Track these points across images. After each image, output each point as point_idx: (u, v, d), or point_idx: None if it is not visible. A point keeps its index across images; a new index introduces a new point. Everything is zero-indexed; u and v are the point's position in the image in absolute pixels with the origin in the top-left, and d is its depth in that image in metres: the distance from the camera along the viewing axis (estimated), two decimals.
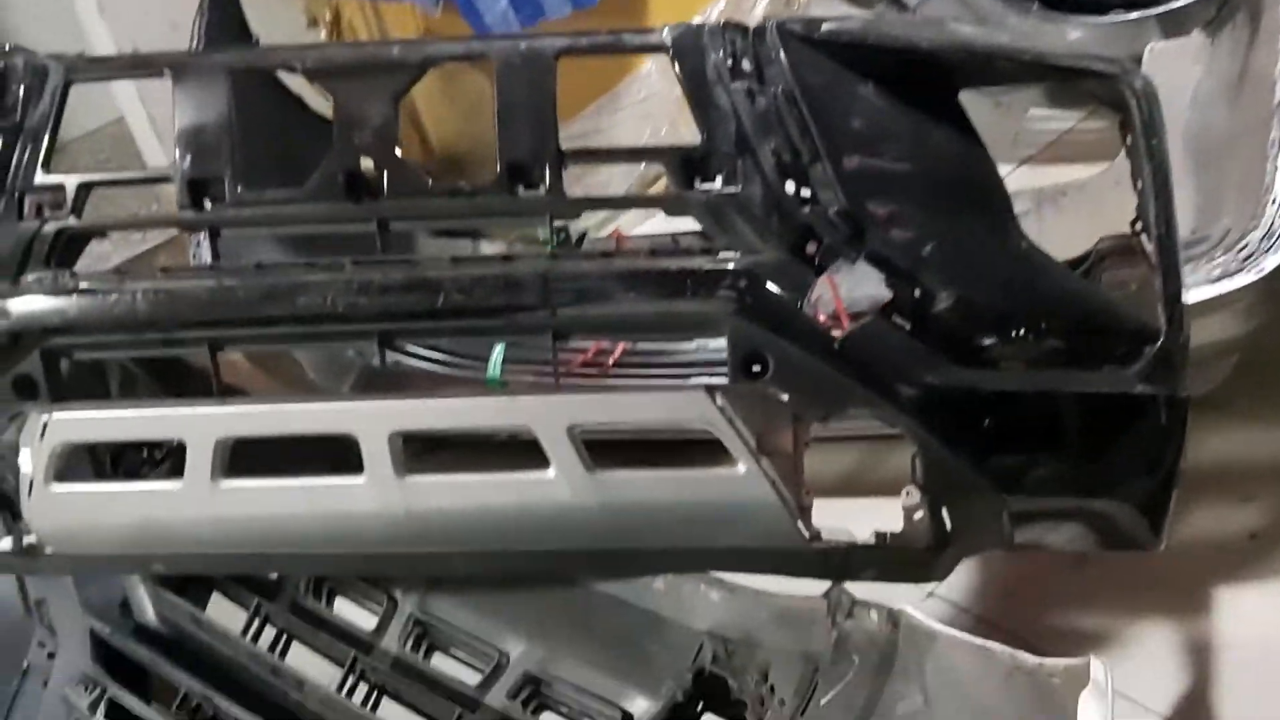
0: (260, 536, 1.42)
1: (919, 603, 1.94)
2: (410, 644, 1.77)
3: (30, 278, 1.40)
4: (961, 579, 2.00)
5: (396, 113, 1.34)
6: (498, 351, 2.00)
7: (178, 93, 1.35)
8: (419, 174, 1.34)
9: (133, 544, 1.50)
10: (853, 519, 1.41)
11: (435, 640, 1.78)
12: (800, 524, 1.37)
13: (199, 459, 1.37)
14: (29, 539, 1.52)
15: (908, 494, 1.37)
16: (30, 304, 1.39)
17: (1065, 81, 1.92)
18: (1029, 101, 3.12)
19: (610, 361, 2.09)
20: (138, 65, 1.45)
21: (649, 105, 3.27)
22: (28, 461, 1.43)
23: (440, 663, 1.78)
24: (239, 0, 2.19)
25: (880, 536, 1.39)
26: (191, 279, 1.37)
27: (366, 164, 1.33)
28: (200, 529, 1.43)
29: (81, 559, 1.55)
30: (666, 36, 1.31)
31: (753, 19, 1.39)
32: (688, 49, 1.31)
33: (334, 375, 2.22)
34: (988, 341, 1.34)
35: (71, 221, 1.39)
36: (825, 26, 1.35)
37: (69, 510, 1.45)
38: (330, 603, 1.89)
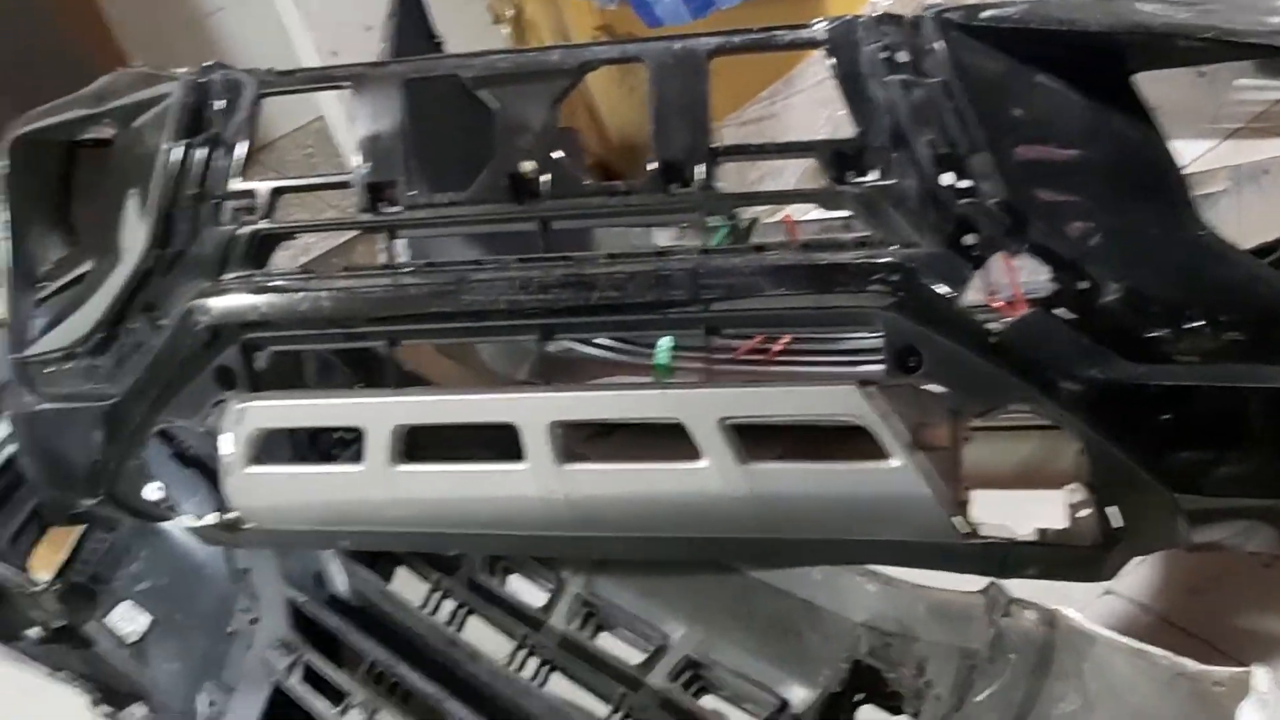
0: (432, 517, 1.51)
1: (1095, 599, 1.88)
2: (577, 623, 1.84)
3: (229, 277, 1.53)
4: (1141, 575, 1.92)
5: (556, 116, 1.39)
6: (666, 339, 2.04)
7: (357, 102, 1.44)
8: (577, 175, 1.39)
9: (321, 521, 1.61)
10: (1015, 514, 1.38)
11: (600, 620, 1.84)
12: (956, 519, 1.35)
13: (377, 445, 1.47)
14: (230, 515, 1.65)
15: (1073, 491, 1.33)
16: (230, 301, 1.51)
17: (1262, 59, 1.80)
18: (1235, 71, 2.92)
19: (774, 350, 2.11)
20: (322, 78, 1.55)
21: (824, 89, 3.22)
22: (228, 445, 1.56)
23: (603, 642, 1.84)
24: (424, 4, 2.31)
25: (1042, 533, 1.36)
26: (370, 278, 1.46)
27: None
28: (379, 509, 1.53)
29: (276, 534, 1.68)
30: (822, 31, 1.31)
31: (915, 6, 1.37)
32: (843, 44, 1.30)
33: (512, 362, 2.32)
34: (1160, 334, 1.28)
35: (264, 224, 1.51)
36: (986, 13, 1.31)
37: (263, 490, 1.57)
38: (504, 580, 1.98)
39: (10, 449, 2.11)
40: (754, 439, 1.36)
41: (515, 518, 1.48)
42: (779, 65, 3.09)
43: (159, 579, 2.06)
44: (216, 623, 2.06)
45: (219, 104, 1.52)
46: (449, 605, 1.95)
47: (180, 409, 1.60)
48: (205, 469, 1.88)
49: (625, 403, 1.42)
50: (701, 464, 1.35)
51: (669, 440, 1.41)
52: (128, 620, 2.02)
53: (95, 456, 1.74)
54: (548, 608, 1.86)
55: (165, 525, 2.10)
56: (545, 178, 1.38)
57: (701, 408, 1.33)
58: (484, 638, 1.94)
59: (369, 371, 1.75)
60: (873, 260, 1.29)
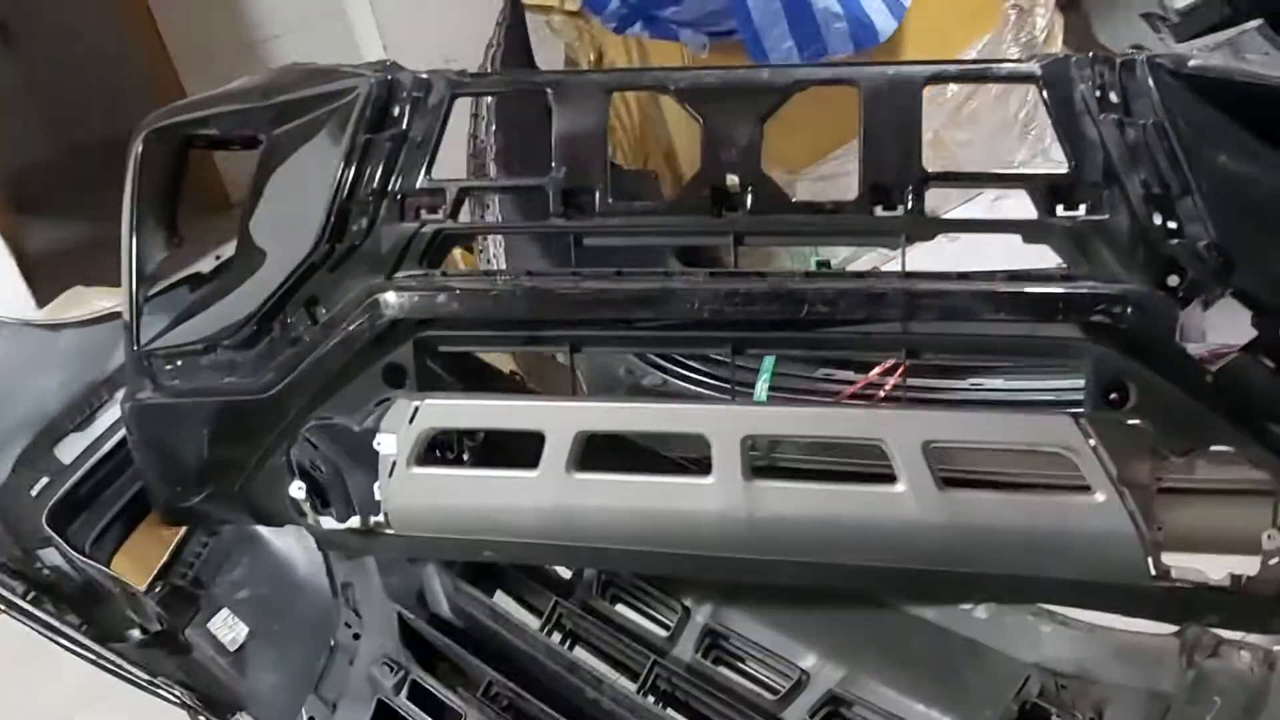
0: (599, 529, 1.48)
1: None
2: (703, 654, 1.80)
3: (406, 274, 1.51)
4: None
5: (761, 133, 1.39)
6: (765, 373, 2.03)
7: (556, 108, 1.43)
8: (781, 192, 1.39)
9: (472, 528, 1.58)
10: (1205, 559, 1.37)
11: (728, 652, 1.80)
12: (1150, 560, 1.34)
13: (557, 450, 1.44)
14: (375, 519, 1.62)
15: (1269, 537, 1.33)
16: (407, 298, 1.49)
17: None
18: None
19: (889, 385, 2.10)
20: (517, 83, 1.55)
21: None
22: (390, 445, 1.53)
23: (730, 676, 1.81)
24: (528, 34, 2.33)
25: (1235, 579, 1.35)
26: (556, 281, 1.44)
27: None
28: (544, 518, 1.50)
29: (416, 541, 1.64)
30: (1036, 67, 1.32)
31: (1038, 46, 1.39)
32: (1057, 80, 1.31)
33: (603, 391, 2.30)
34: None
35: (448, 224, 1.49)
36: (1192, 63, 1.33)
37: (424, 492, 1.54)
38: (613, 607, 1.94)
39: (106, 446, 2.08)
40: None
41: (688, 535, 1.45)
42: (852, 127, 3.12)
43: (258, 588, 2.01)
44: (316, 636, 2.00)
45: (406, 102, 1.51)
46: (562, 629, 1.91)
47: (340, 405, 1.57)
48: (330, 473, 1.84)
49: (826, 421, 1.40)
50: (899, 488, 1.34)
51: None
52: (227, 628, 1.97)
53: (229, 452, 1.70)
54: (672, 637, 1.82)
55: (265, 534, 2.06)
56: (747, 192, 1.38)
57: (907, 430, 1.32)
58: (592, 665, 1.90)
59: (469, 380, 1.73)
60: (1087, 293, 1.29)
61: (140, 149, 1.78)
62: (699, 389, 2.31)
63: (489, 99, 2.01)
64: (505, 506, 1.51)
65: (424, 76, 1.51)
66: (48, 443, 2.04)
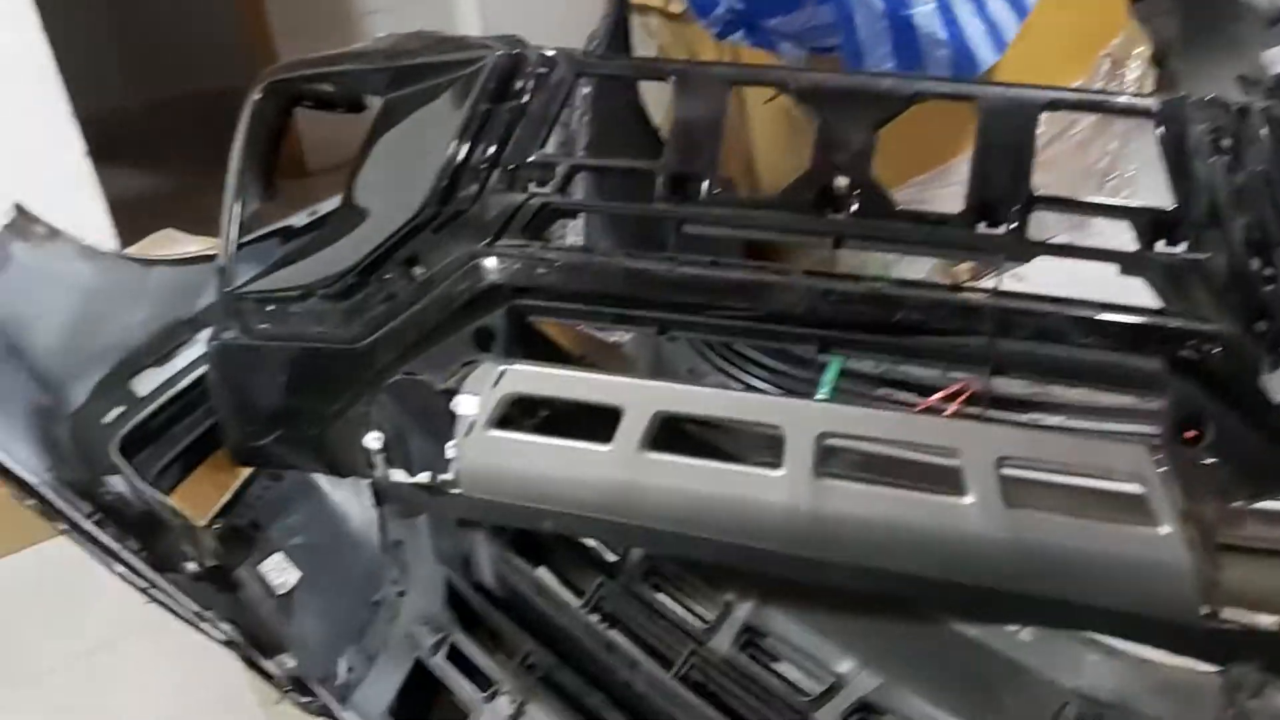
0: (662, 511, 1.51)
1: None
2: (740, 648, 1.83)
3: (507, 242, 1.56)
4: None
5: (875, 140, 1.43)
6: (826, 385, 2.06)
7: (677, 96, 1.48)
8: (888, 198, 1.43)
9: (534, 497, 1.62)
10: None
11: (764, 650, 1.83)
12: (1203, 598, 1.36)
13: (633, 426, 1.48)
14: (443, 476, 1.66)
15: None
16: (506, 265, 1.54)
17: None
18: None
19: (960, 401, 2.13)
20: (642, 68, 1.60)
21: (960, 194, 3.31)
22: (471, 406, 1.58)
23: (764, 673, 1.83)
24: (629, 30, 2.38)
25: None
26: (654, 263, 1.49)
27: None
28: (610, 493, 1.53)
29: (480, 503, 1.68)
30: (1154, 104, 1.36)
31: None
32: (1173, 118, 1.35)
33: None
34: None
35: (555, 198, 1.54)
36: None
37: (498, 455, 1.58)
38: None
39: (182, 384, 2.14)
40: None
41: (750, 526, 1.48)
42: (941, 153, 3.16)
43: (313, 537, 2.05)
44: (362, 590, 2.04)
45: (530, 77, 1.56)
46: (603, 609, 1.94)
47: (427, 363, 1.62)
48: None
49: (903, 428, 1.43)
50: (966, 500, 1.37)
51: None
52: (279, 571, 2.01)
53: (310, 398, 1.75)
54: (712, 629, 1.85)
55: (324, 485, 2.11)
56: (854, 195, 1.42)
57: (983, 444, 1.35)
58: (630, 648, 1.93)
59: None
60: (1178, 328, 1.32)
61: (257, 99, 1.84)
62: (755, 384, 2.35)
63: (585, 88, 2.06)
64: (574, 478, 1.55)
65: (550, 54, 1.56)
66: (126, 374, 2.10)
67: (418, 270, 1.64)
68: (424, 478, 1.68)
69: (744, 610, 1.85)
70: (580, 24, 3.59)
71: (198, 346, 2.17)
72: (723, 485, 1.47)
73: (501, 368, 1.54)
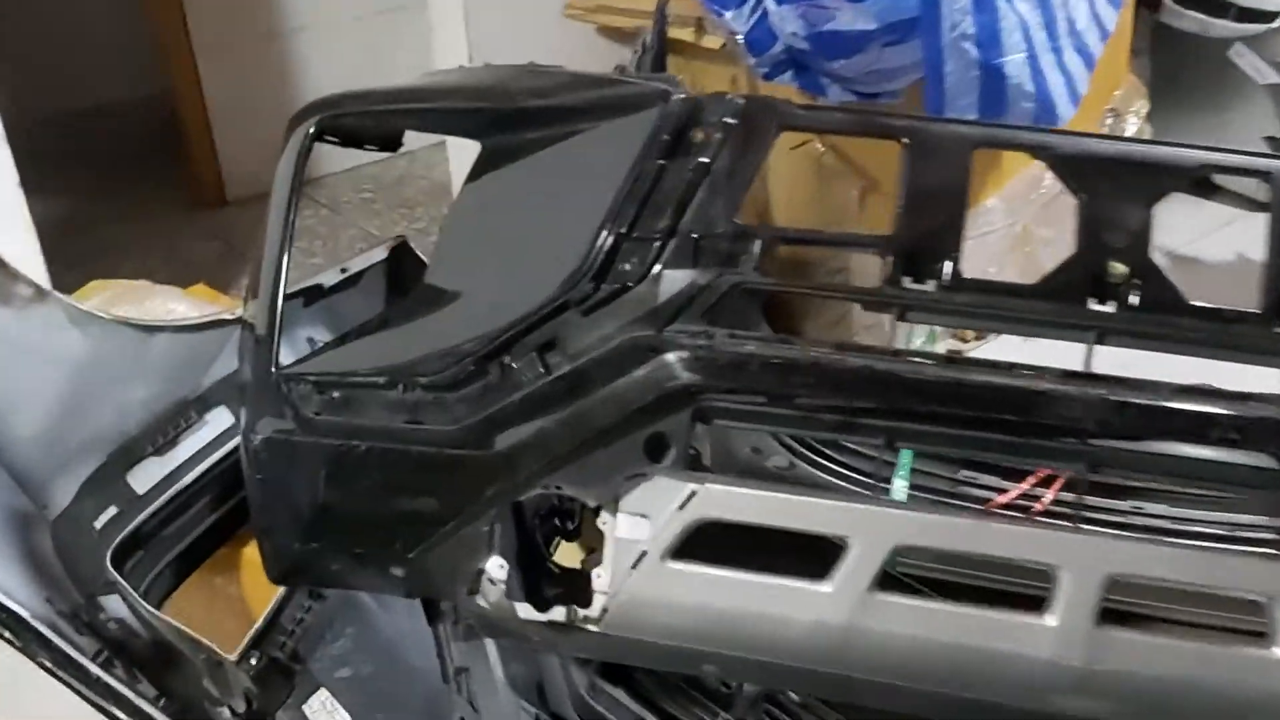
0: (894, 662, 1.24)
1: None
2: None
3: (683, 327, 1.27)
4: None
5: (1151, 218, 1.20)
6: (904, 469, 1.82)
7: (909, 158, 1.23)
8: (1173, 288, 1.20)
9: (706, 638, 1.32)
10: None
11: None
12: None
13: (861, 563, 1.20)
14: (586, 612, 1.35)
15: None
16: (698, 362, 1.24)
17: None
18: None
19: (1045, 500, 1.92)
20: (865, 123, 1.32)
21: (987, 241, 3.17)
22: (638, 530, 1.27)
23: None
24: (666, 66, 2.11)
25: None
26: (889, 361, 1.21)
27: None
28: (822, 640, 1.25)
29: (624, 642, 1.37)
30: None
31: None
32: None
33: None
34: None
35: (752, 277, 1.26)
36: None
37: (672, 590, 1.28)
38: None
39: (187, 478, 1.76)
40: None
41: (1009, 683, 1.21)
42: (987, 187, 3.01)
43: (361, 667, 1.69)
44: None
45: (715, 128, 1.28)
46: None
47: (579, 476, 1.30)
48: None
49: (989, 537, 1.19)
50: (1049, 620, 1.14)
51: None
52: (325, 713, 1.64)
53: (403, 510, 1.42)
54: None
55: (370, 603, 1.75)
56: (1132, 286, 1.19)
57: (1087, 557, 1.13)
58: None
59: None
60: None
61: (307, 137, 1.51)
62: (831, 477, 2.10)
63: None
64: (773, 618, 1.26)
65: (740, 100, 1.28)
66: (122, 466, 1.71)
67: (556, 358, 1.33)
68: (559, 614, 1.36)
69: None
70: (572, 49, 3.32)
71: (206, 430, 1.80)
72: (974, 635, 1.21)
73: (691, 487, 1.24)
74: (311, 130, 1.51)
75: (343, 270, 1.84)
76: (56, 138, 4.80)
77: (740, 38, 2.39)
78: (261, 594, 1.71)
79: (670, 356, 1.24)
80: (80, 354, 1.67)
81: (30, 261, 2.65)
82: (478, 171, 1.49)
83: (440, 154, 3.97)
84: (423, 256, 1.88)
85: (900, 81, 2.47)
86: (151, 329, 1.74)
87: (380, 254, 1.86)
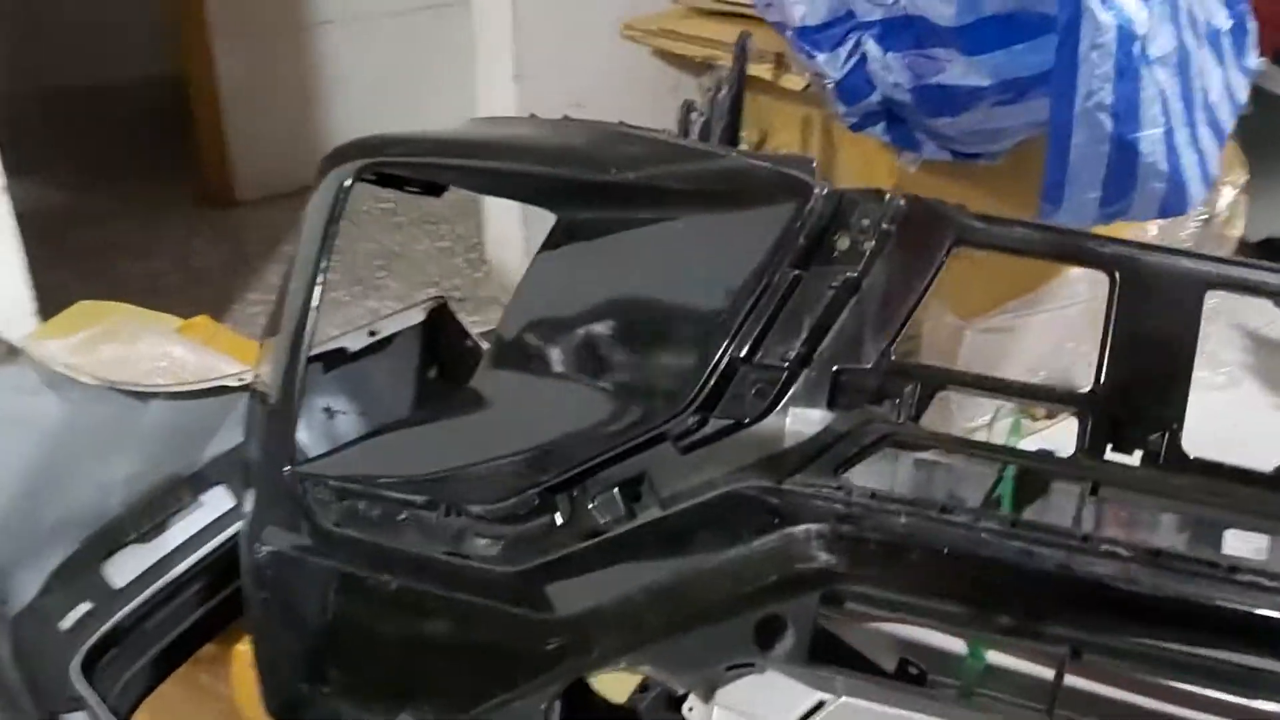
0: None
1: None
2: None
3: (815, 483, 1.00)
4: None
5: None
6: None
7: (1122, 296, 0.96)
8: None
9: None
10: None
11: None
12: None
13: None
14: None
15: None
16: (823, 534, 0.98)
17: None
18: None
19: None
20: (1062, 244, 1.05)
21: (1068, 315, 2.92)
22: None
23: None
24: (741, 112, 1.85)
25: None
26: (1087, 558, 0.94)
27: None
28: None
29: None
30: None
31: None
32: None
33: None
34: None
35: (905, 426, 0.99)
36: None
37: None
38: None
39: (172, 573, 1.49)
40: None
41: None
42: (1027, 281, 2.77)
43: None
44: None
45: (868, 235, 1.01)
46: None
47: (670, 659, 1.03)
48: None
49: None
50: None
51: None
52: None
53: (445, 668, 1.15)
54: None
55: None
56: None
57: None
58: None
59: None
60: None
61: (341, 189, 1.24)
62: None
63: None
64: None
65: (901, 202, 1.01)
66: (99, 554, 1.44)
67: (639, 500, 1.06)
68: None
69: None
70: (619, 81, 3.05)
71: (201, 513, 1.53)
72: None
73: (818, 696, 0.97)
74: (349, 182, 1.24)
75: (371, 333, 1.58)
76: (55, 116, 4.54)
77: (831, 83, 2.12)
78: (254, 694, 1.45)
79: (801, 530, 0.97)
80: (56, 421, 1.41)
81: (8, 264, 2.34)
82: (555, 242, 1.23)
83: None
84: (465, 325, 1.62)
85: (1004, 143, 2.22)
86: (143, 395, 1.47)
87: (416, 316, 1.60)
